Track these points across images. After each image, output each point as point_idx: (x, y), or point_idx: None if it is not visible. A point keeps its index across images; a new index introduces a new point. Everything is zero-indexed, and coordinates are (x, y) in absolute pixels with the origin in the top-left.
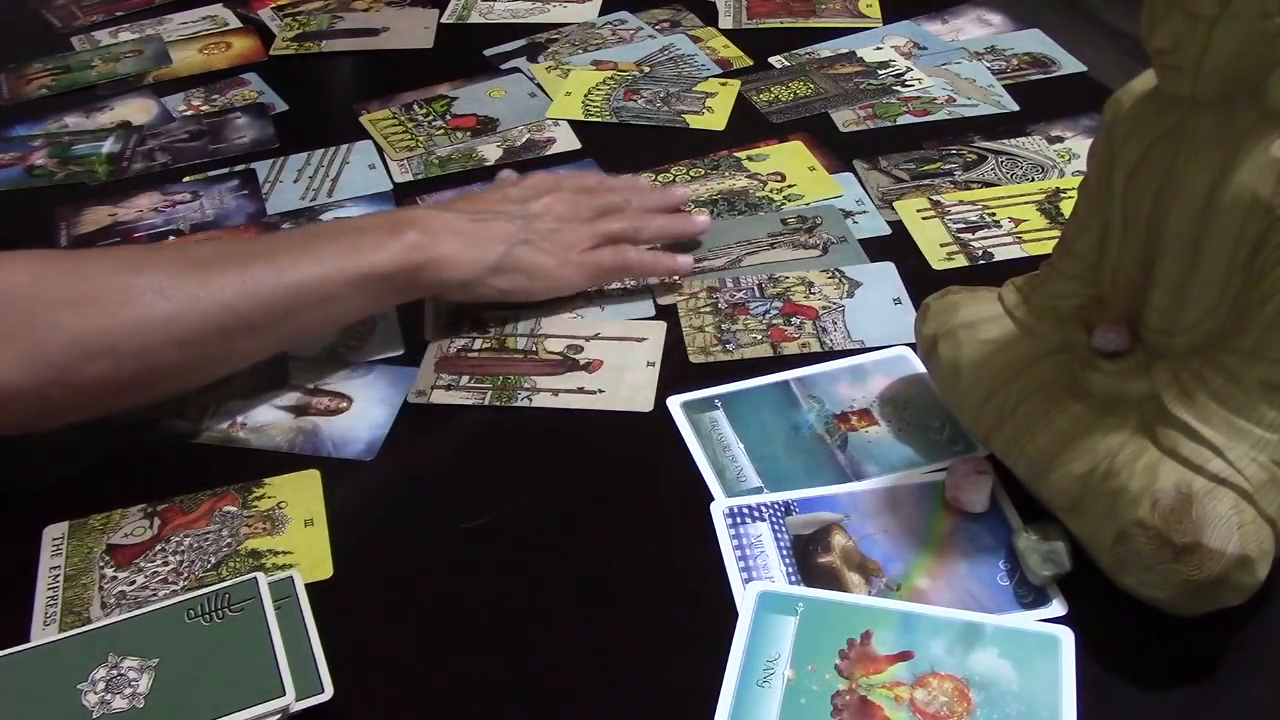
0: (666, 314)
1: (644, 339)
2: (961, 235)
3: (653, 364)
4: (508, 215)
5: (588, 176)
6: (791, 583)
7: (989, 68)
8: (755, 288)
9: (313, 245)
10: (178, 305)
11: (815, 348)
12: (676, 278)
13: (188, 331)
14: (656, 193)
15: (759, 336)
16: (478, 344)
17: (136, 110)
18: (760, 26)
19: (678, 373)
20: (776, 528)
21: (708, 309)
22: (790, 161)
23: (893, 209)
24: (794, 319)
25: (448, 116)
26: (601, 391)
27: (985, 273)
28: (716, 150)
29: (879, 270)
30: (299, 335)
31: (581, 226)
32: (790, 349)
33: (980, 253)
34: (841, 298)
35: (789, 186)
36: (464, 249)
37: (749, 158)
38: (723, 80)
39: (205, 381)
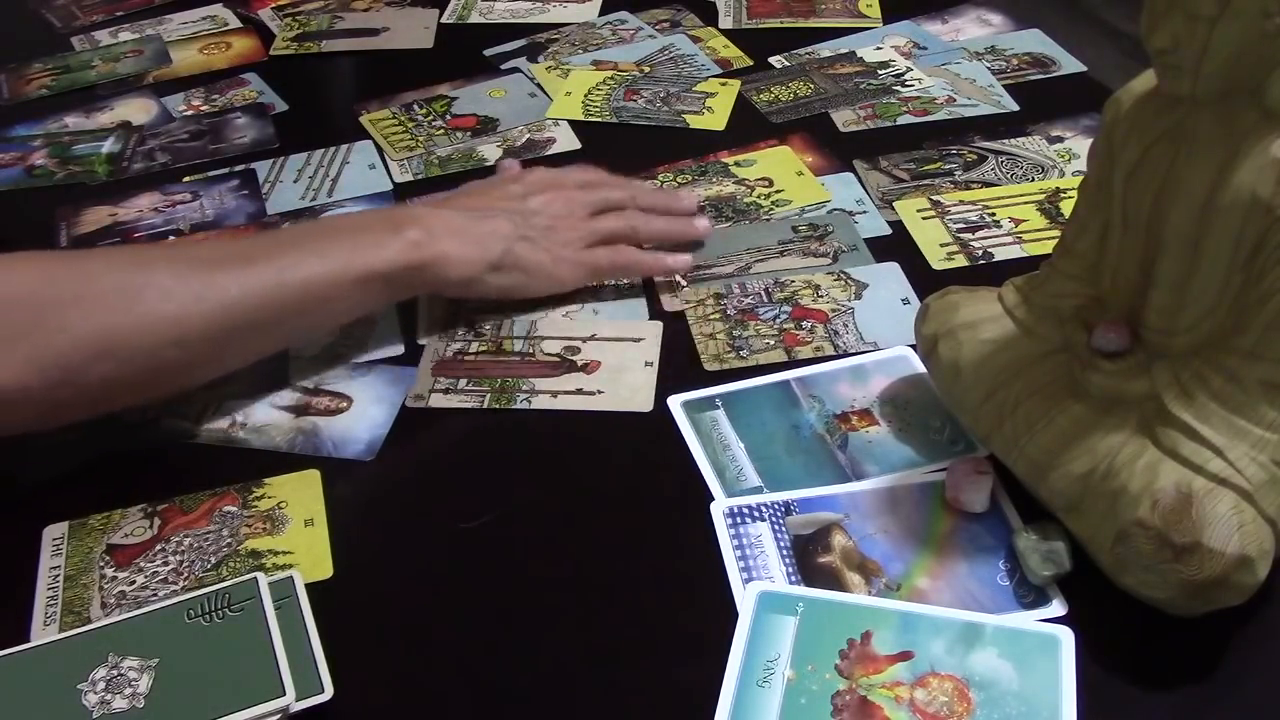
0: (670, 318)
1: (641, 339)
2: (961, 235)
3: (650, 364)
4: (506, 212)
5: (588, 171)
6: (791, 583)
7: (989, 68)
8: (762, 293)
9: (315, 244)
10: (182, 305)
11: (829, 350)
12: (680, 279)
13: (191, 331)
14: (661, 194)
15: (771, 342)
16: (474, 347)
17: (136, 110)
18: (760, 26)
19: (678, 373)
20: (776, 528)
21: (716, 316)
22: (778, 166)
23: (893, 209)
24: (805, 323)
25: (448, 116)
26: (600, 392)
27: (985, 273)
28: (717, 150)
29: (885, 271)
30: (301, 334)
31: (578, 223)
32: (804, 353)
33: (980, 253)
34: (849, 300)
35: (777, 191)
36: (464, 247)
37: (736, 163)
38: (723, 80)
39: (208, 379)
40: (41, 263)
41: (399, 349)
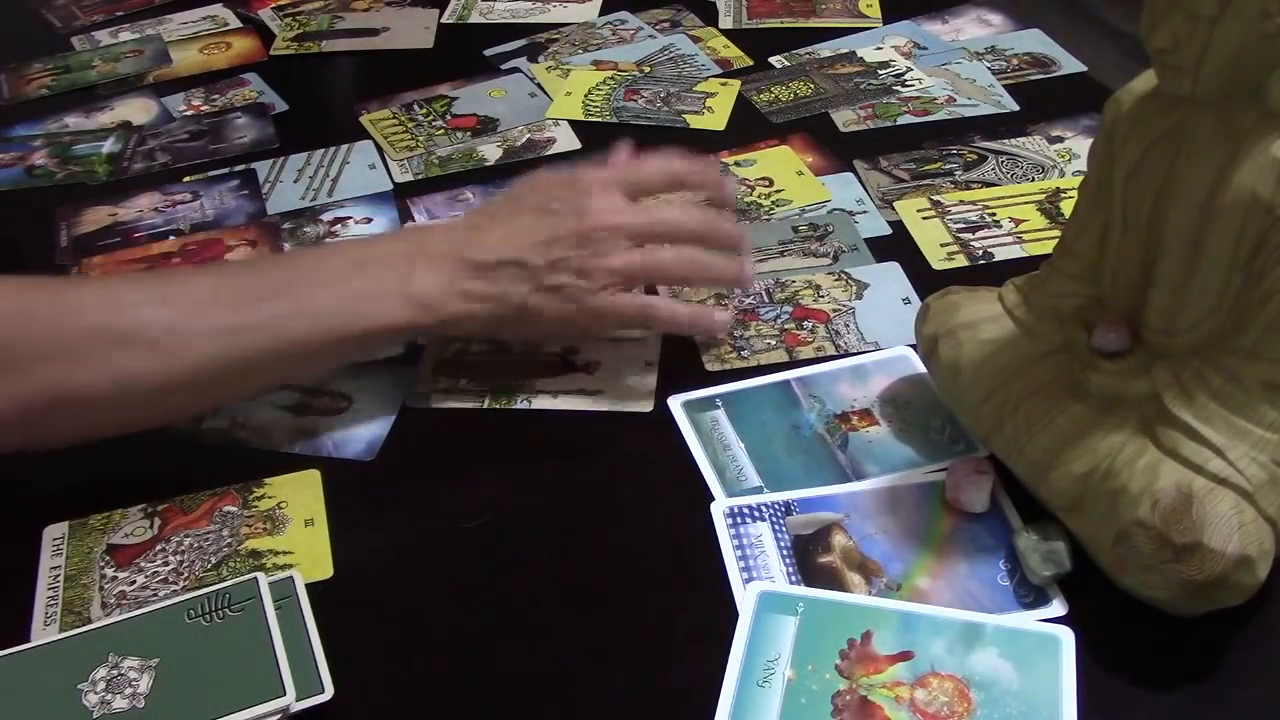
0: None
1: (641, 339)
2: (962, 235)
3: (650, 364)
4: (521, 261)
5: (666, 163)
6: (792, 583)
7: (989, 68)
8: (764, 293)
9: (315, 294)
10: (161, 359)
11: (830, 350)
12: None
13: (171, 383)
14: (734, 228)
15: (773, 342)
16: (475, 347)
17: (136, 110)
18: (760, 26)
19: (678, 373)
20: (777, 528)
21: None
22: (778, 166)
23: (893, 209)
24: (806, 323)
25: (448, 116)
26: (601, 392)
27: (985, 273)
28: (717, 150)
29: (885, 270)
30: (288, 380)
31: (620, 258)
32: (805, 353)
33: (980, 253)
34: (850, 300)
35: (777, 191)
36: (475, 305)
37: (736, 163)
38: (723, 80)
39: (183, 419)
40: (21, 294)
41: (399, 349)
